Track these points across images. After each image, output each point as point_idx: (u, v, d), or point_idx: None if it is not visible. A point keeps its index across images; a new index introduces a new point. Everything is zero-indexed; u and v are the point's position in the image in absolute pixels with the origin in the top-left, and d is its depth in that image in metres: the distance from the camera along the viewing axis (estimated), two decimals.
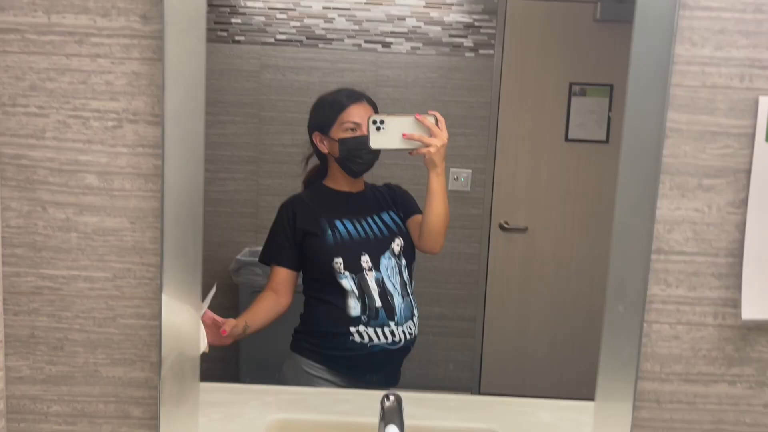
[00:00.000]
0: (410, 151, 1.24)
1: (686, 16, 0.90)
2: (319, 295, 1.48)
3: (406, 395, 1.03)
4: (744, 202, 0.93)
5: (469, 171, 2.76)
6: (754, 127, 0.91)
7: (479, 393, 2.60)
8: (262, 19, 2.65)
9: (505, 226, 2.72)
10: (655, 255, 0.95)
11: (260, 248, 2.90)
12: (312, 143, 1.50)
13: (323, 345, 1.48)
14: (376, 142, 1.21)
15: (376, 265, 1.43)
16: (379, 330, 1.42)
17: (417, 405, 1.06)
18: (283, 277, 1.51)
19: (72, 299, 0.95)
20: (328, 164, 1.50)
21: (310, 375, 1.47)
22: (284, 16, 2.63)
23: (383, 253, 1.44)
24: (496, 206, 2.75)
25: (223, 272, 2.31)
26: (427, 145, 1.23)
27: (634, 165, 0.91)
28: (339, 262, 1.43)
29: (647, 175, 0.91)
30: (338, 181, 1.49)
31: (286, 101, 2.70)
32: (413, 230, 1.46)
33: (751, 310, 0.94)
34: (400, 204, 1.48)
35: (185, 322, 0.95)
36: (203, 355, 1.01)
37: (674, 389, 0.98)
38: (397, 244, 1.45)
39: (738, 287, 0.95)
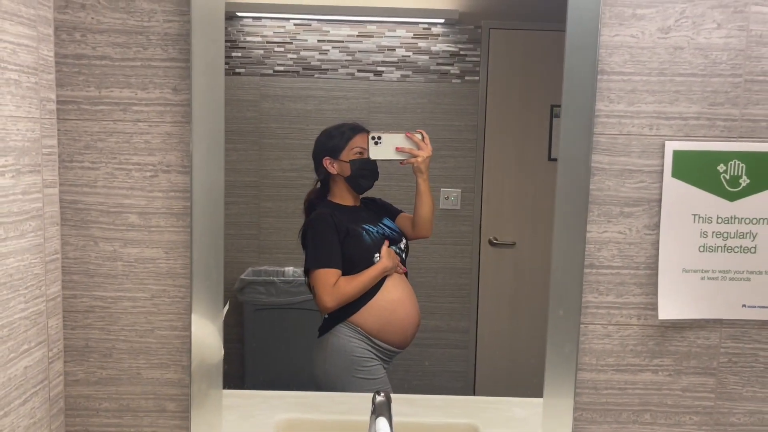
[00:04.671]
0: (401, 162, 1.55)
1: (604, 79, 1.17)
2: None
3: (396, 396, 1.24)
4: (657, 225, 1.20)
5: (459, 191, 3.03)
6: (662, 165, 1.18)
7: None
8: (261, 52, 2.92)
9: (494, 241, 2.98)
10: (587, 269, 1.21)
11: (263, 267, 3.13)
12: (320, 167, 1.76)
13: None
14: (375, 153, 1.55)
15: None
16: None
17: (407, 405, 1.30)
18: (338, 276, 1.72)
19: (118, 315, 1.22)
20: (331, 185, 1.77)
21: (351, 340, 1.64)
22: (281, 49, 2.91)
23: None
24: (485, 223, 3.01)
25: (227, 291, 2.58)
26: (415, 156, 1.56)
27: (568, 197, 1.18)
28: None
29: (578, 205, 1.18)
30: (344, 198, 1.77)
31: (285, 128, 2.97)
32: (404, 227, 1.77)
33: (666, 312, 1.21)
34: (386, 211, 1.79)
35: (208, 333, 1.21)
36: None
37: (608, 378, 1.24)
38: (403, 243, 1.77)
39: (655, 294, 1.21)
